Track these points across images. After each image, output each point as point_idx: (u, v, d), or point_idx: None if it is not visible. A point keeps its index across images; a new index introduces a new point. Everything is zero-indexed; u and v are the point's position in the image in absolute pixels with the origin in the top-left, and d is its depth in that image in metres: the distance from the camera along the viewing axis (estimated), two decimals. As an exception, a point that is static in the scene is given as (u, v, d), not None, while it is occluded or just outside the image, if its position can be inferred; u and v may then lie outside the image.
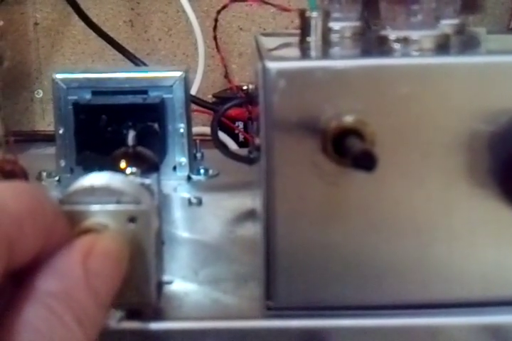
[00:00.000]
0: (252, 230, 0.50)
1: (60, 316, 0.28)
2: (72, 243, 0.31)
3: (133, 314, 0.37)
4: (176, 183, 0.63)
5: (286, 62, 0.37)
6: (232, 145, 0.85)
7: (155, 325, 0.38)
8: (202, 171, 0.65)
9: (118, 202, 0.38)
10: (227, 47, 1.02)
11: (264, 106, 0.37)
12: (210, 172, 0.65)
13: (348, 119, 0.36)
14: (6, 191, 0.29)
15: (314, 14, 0.43)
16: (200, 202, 0.58)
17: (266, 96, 0.36)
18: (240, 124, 0.88)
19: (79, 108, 0.61)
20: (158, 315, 0.38)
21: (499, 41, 0.52)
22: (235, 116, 0.85)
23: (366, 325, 0.38)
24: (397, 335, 0.38)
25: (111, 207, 0.37)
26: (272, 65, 0.36)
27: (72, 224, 0.36)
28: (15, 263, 0.28)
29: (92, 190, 0.39)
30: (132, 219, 0.36)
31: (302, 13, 0.44)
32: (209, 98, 0.95)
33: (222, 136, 0.85)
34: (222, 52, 0.96)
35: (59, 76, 0.62)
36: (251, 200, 0.54)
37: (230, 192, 0.61)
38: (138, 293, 0.37)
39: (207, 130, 0.66)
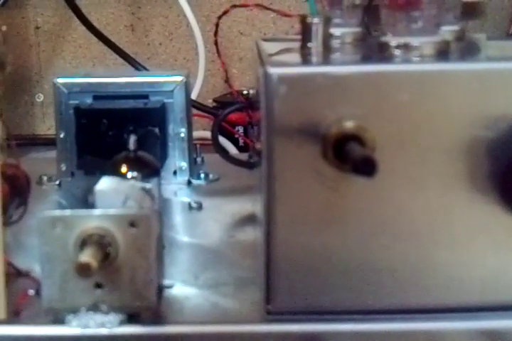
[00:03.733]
0: (253, 235, 0.50)
1: None
2: None
3: (133, 318, 0.38)
4: (176, 188, 0.63)
5: (287, 67, 0.37)
6: (232, 149, 0.85)
7: (155, 329, 0.38)
8: (202, 175, 0.65)
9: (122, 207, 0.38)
10: (228, 52, 1.02)
11: (265, 111, 0.37)
12: (211, 176, 0.65)
13: (349, 125, 0.36)
14: None
15: (315, 20, 0.44)
16: (200, 207, 0.58)
17: (267, 101, 0.37)
18: (240, 129, 0.88)
19: (80, 112, 0.61)
20: (159, 319, 0.38)
21: (499, 47, 0.52)
22: (235, 120, 0.85)
23: (365, 330, 0.38)
24: (396, 340, 0.38)
25: (113, 211, 0.37)
26: (274, 71, 0.36)
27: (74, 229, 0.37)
28: None
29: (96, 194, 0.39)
30: (133, 224, 0.37)
31: (303, 19, 0.44)
32: (209, 102, 0.95)
33: (223, 141, 0.85)
34: (223, 56, 0.97)
35: (60, 80, 0.62)
36: (251, 205, 0.54)
37: (231, 196, 0.61)
38: (138, 296, 0.37)
39: (207, 134, 0.66)
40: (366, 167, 0.33)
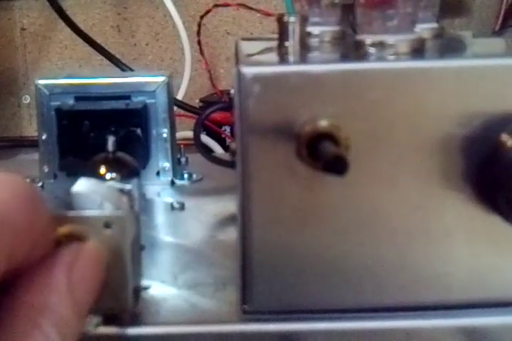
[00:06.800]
0: (234, 235, 0.50)
1: (46, 333, 0.29)
2: (56, 254, 0.32)
3: (110, 319, 0.37)
4: (159, 188, 0.63)
5: (260, 67, 0.37)
6: (218, 149, 0.86)
7: (132, 330, 0.38)
8: (185, 176, 0.65)
9: (98, 208, 0.38)
10: (215, 52, 1.02)
11: (239, 110, 0.37)
12: (194, 176, 0.65)
13: (323, 124, 0.36)
14: (7, 195, 0.29)
15: (292, 19, 0.43)
16: (182, 207, 0.58)
17: (241, 100, 0.37)
18: (227, 128, 0.88)
19: (62, 114, 0.61)
20: (136, 320, 0.38)
21: (482, 45, 0.53)
22: (221, 120, 0.85)
23: (343, 328, 0.38)
24: (374, 338, 0.38)
25: (87, 212, 0.37)
26: (247, 70, 0.36)
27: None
28: (6, 272, 0.28)
29: (73, 196, 0.39)
30: (108, 225, 0.37)
31: (280, 18, 0.44)
32: (196, 102, 0.95)
33: (209, 141, 0.85)
34: (209, 56, 0.97)
35: (42, 82, 0.62)
36: (233, 205, 0.54)
37: (213, 196, 0.61)
38: (115, 298, 0.37)
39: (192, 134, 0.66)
40: (337, 166, 0.33)
